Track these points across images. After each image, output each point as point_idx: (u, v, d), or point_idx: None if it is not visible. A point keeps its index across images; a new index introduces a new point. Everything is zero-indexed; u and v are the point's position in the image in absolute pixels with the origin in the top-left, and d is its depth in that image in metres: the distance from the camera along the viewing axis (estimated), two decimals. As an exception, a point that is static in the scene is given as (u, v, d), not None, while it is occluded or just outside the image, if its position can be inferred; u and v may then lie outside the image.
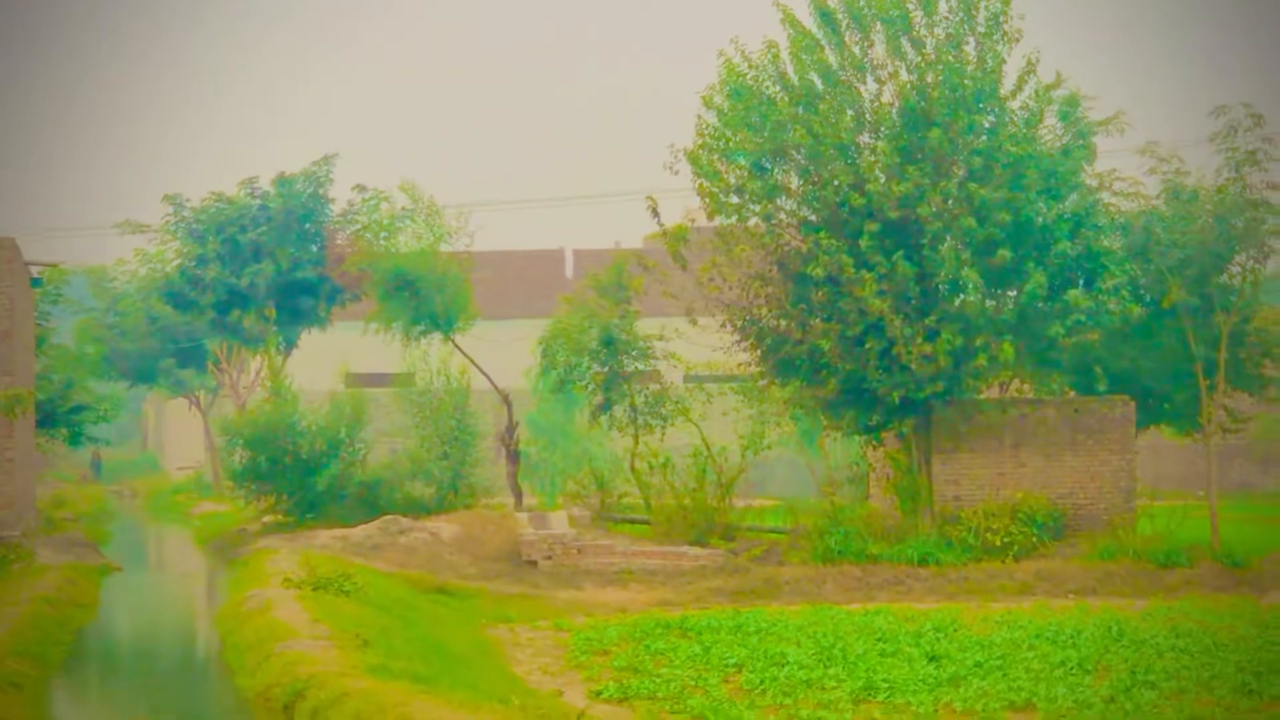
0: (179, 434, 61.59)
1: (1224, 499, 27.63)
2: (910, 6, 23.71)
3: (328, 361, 39.84)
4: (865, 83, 24.00)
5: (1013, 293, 23.57)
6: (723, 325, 25.21)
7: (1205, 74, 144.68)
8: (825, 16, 23.51)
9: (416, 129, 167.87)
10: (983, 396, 25.94)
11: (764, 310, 24.63)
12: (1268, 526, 28.12)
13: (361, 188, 38.20)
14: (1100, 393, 25.93)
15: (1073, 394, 26.70)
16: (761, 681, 15.31)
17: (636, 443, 29.01)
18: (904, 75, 23.46)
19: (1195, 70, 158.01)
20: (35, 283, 29.54)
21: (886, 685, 14.35)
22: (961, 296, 23.49)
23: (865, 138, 23.91)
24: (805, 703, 14.18)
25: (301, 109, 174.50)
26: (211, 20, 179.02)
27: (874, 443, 26.16)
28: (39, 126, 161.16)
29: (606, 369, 29.07)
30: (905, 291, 22.52)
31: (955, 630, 17.60)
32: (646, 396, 29.51)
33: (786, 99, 23.72)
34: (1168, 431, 28.09)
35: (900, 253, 22.32)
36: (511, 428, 32.68)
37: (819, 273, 22.63)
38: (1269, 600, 19.72)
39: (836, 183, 22.85)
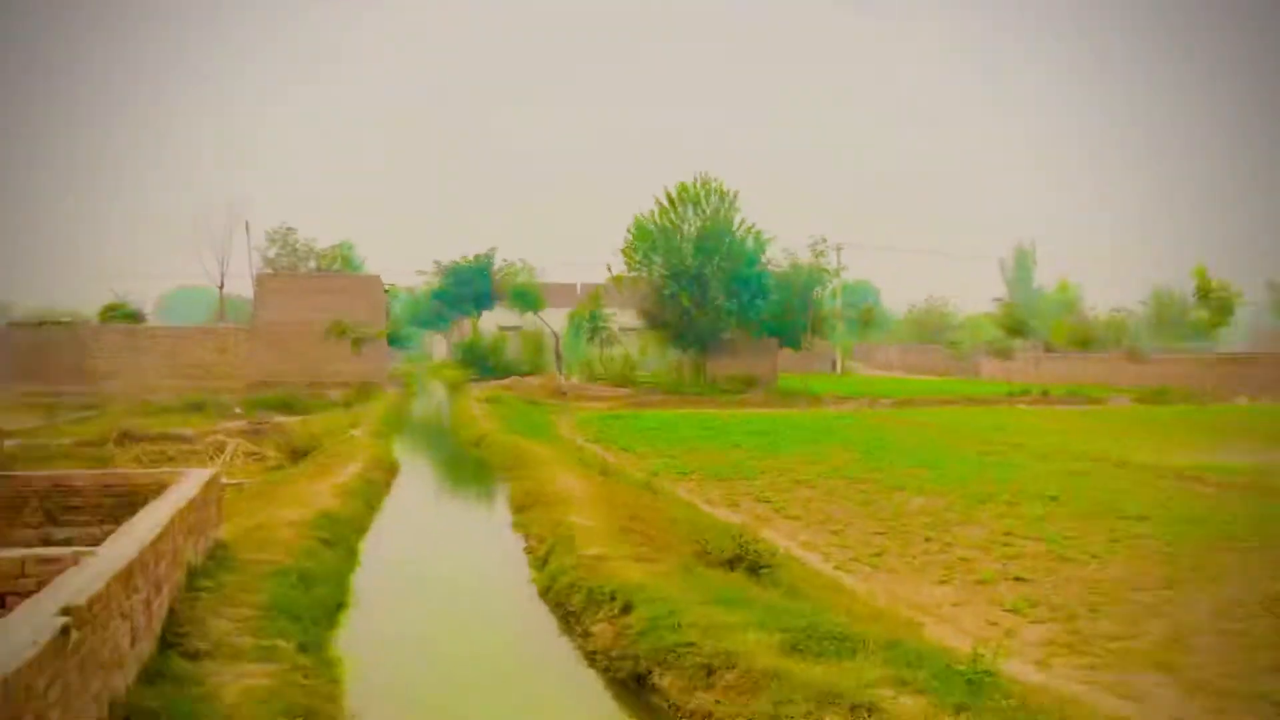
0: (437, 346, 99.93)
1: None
2: (701, 196, 56.37)
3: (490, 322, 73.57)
4: (687, 221, 56.70)
5: (737, 299, 56.92)
6: (639, 312, 58.39)
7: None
8: (673, 199, 56.21)
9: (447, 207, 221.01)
10: (727, 337, 58.69)
11: (649, 306, 57.36)
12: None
13: (506, 260, 71.42)
14: (765, 335, 59.08)
15: (765, 336, 59.34)
16: (659, 435, 30.48)
17: (601, 350, 62.09)
18: (698, 221, 56.51)
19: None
20: (387, 291, 59.54)
21: (739, 443, 29.60)
22: (719, 302, 56.31)
23: (686, 245, 55.96)
24: (673, 444, 29.43)
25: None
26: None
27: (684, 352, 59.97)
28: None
29: (594, 326, 61.78)
30: (699, 301, 55.89)
31: (719, 419, 48.25)
32: (604, 338, 61.79)
33: (658, 231, 56.10)
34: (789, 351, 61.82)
35: (698, 287, 55.24)
36: (558, 349, 65.69)
37: (667, 292, 55.79)
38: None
39: (674, 262, 55.73)
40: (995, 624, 11.62)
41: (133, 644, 7.84)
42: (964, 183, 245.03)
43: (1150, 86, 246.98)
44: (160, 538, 9.17)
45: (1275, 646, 10.68)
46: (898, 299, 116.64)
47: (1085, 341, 77.40)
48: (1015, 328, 73.49)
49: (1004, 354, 72.28)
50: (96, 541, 9.89)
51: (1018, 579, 13.67)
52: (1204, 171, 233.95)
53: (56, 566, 8.42)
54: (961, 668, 8.22)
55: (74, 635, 6.06)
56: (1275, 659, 10.26)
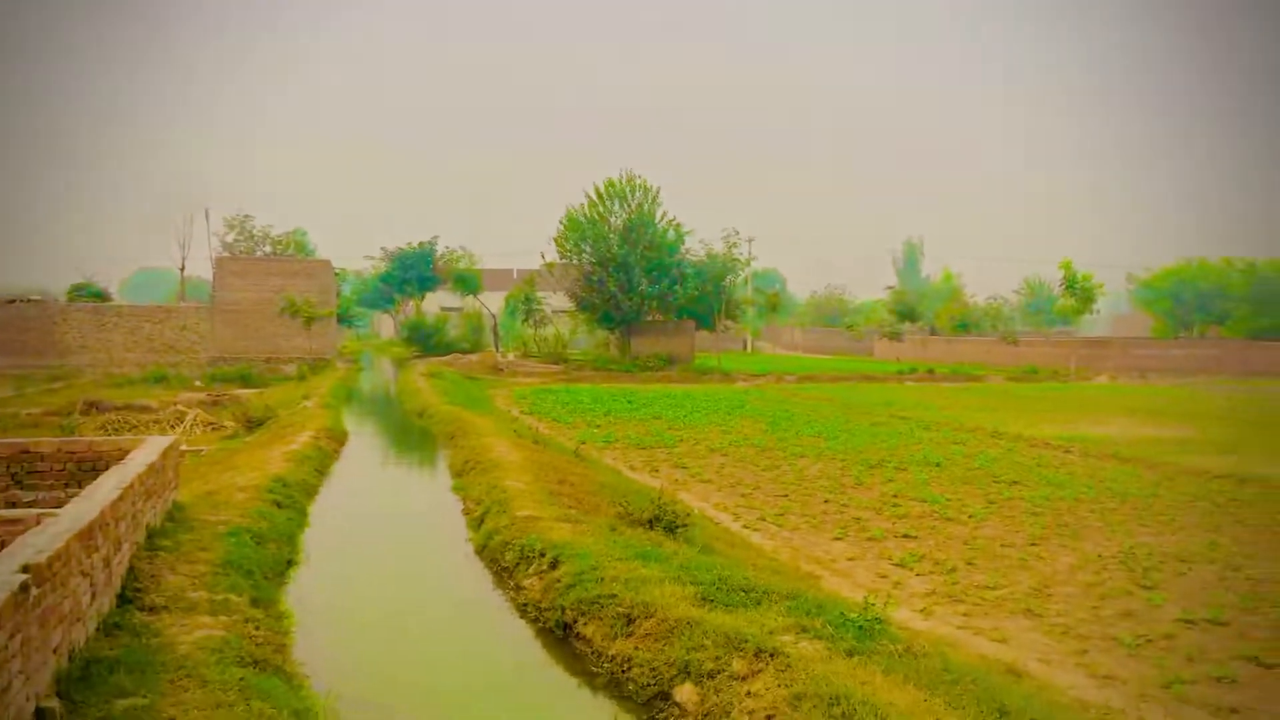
0: (384, 325, 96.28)
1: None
2: (627, 192, 57.21)
3: (433, 303, 73.01)
4: (614, 213, 57.69)
5: (659, 285, 57.82)
6: (569, 295, 58.55)
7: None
8: (601, 193, 56.99)
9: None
10: (649, 319, 59.62)
11: (579, 290, 57.87)
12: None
13: (448, 247, 69.99)
14: (683, 317, 60.16)
15: (683, 319, 60.26)
16: (588, 407, 32.51)
17: (535, 330, 62.18)
18: (624, 214, 57.36)
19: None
20: (337, 275, 60.28)
21: (659, 415, 30.89)
22: (642, 287, 57.57)
23: (613, 236, 57.25)
24: (599, 416, 30.48)
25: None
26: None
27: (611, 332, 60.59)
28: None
29: (528, 308, 61.39)
30: (624, 286, 56.66)
31: (641, 393, 49.08)
32: (538, 319, 61.24)
33: (587, 223, 56.93)
34: (704, 332, 62.35)
35: (623, 274, 56.39)
36: (496, 328, 65.55)
37: (595, 278, 56.57)
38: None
39: (602, 250, 56.53)
40: (885, 576, 11.76)
41: (93, 599, 7.58)
42: (861, 181, 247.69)
43: (1034, 99, 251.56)
44: (120, 500, 8.88)
45: (1127, 595, 10.95)
46: (801, 285, 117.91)
47: (966, 325, 78.75)
48: (905, 313, 74.53)
49: (895, 336, 73.46)
50: (60, 504, 9.57)
51: (905, 536, 13.86)
52: (1075, 172, 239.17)
53: (19, 527, 8.12)
54: (855, 616, 8.27)
55: (34, 591, 5.83)
56: (1127, 606, 10.51)
